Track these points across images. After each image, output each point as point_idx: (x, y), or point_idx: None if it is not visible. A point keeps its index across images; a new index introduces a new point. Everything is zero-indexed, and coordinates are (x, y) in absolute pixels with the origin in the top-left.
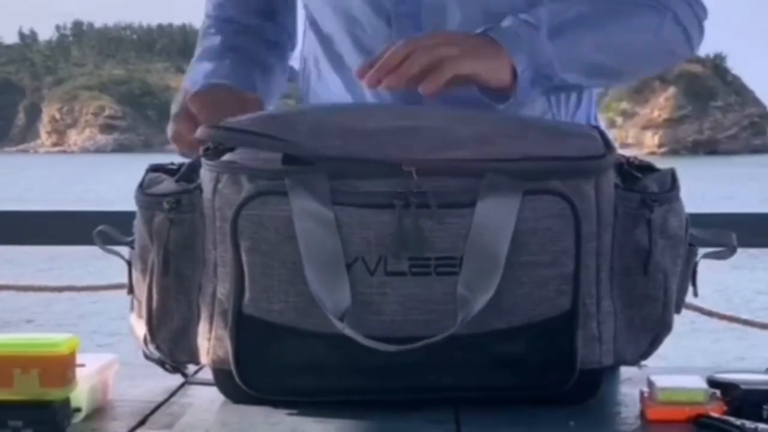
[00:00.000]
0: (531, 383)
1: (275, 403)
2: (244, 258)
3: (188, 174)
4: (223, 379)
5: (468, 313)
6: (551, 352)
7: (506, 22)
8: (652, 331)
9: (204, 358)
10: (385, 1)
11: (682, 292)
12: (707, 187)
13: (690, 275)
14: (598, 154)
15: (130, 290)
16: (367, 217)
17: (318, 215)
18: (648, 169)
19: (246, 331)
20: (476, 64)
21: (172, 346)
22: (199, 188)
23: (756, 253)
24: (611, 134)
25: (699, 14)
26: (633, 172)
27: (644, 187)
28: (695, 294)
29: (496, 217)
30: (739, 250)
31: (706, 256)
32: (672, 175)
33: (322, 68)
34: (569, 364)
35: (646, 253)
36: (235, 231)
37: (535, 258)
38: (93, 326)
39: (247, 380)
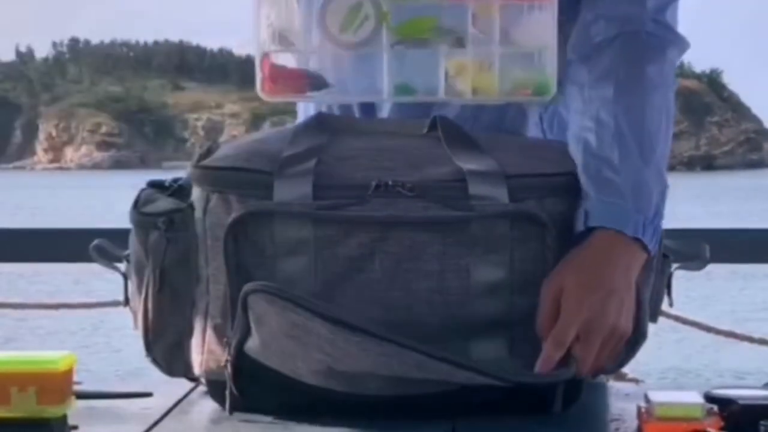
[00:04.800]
0: (512, 400)
1: (267, 411)
2: (251, 324)
3: (181, 191)
4: (216, 390)
5: None
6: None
7: (594, 190)
8: (627, 341)
9: (197, 370)
10: None
11: (658, 301)
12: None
13: (665, 286)
14: (573, 170)
15: (126, 303)
16: (365, 345)
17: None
18: None
19: (244, 364)
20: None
21: (168, 359)
22: (191, 206)
23: None
24: None
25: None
26: None
27: None
28: (670, 304)
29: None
30: None
31: (680, 267)
32: None
33: None
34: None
35: None
36: (246, 303)
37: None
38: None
39: (243, 397)
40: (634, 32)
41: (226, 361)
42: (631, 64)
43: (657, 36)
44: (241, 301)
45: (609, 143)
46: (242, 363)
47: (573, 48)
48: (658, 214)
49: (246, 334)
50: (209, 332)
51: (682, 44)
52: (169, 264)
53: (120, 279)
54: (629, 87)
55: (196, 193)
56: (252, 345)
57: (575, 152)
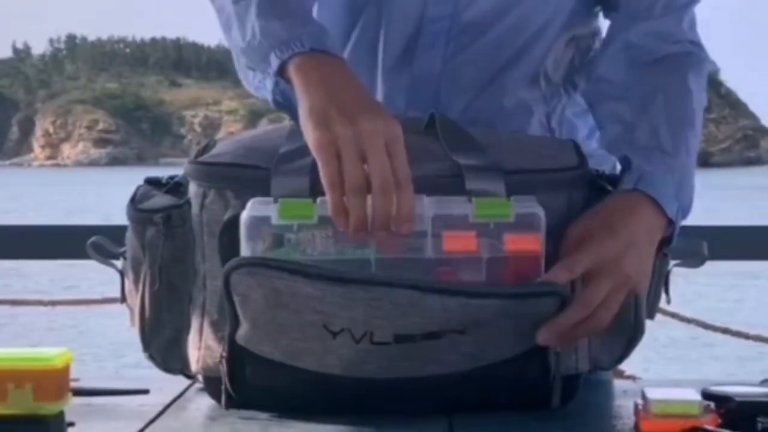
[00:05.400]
0: (509, 395)
1: (264, 408)
2: (237, 308)
3: (177, 188)
4: (213, 386)
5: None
6: (527, 370)
7: (647, 164)
8: (625, 337)
9: (194, 366)
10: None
11: (655, 298)
12: None
13: (663, 283)
14: (571, 167)
15: (123, 300)
16: (354, 294)
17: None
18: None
19: (238, 356)
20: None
21: (165, 355)
22: (189, 203)
23: None
24: None
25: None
26: (604, 184)
27: None
28: (668, 301)
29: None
30: None
31: (679, 264)
32: None
33: None
34: (544, 375)
35: None
36: (228, 284)
37: (520, 323)
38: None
39: (240, 395)
40: (677, 53)
41: (221, 356)
42: (678, 80)
43: (695, 54)
44: (224, 282)
45: (664, 137)
46: (237, 357)
47: (610, 66)
48: (686, 215)
49: (235, 323)
50: (206, 328)
51: (711, 62)
52: (166, 260)
53: (103, 277)
54: (679, 96)
55: (193, 189)
56: (242, 333)
57: (619, 140)
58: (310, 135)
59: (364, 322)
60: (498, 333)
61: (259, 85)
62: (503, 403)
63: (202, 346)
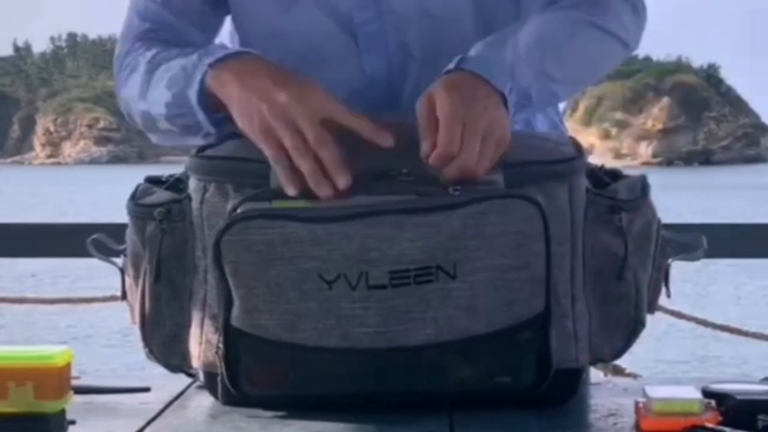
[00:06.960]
0: (509, 384)
1: (264, 405)
2: (229, 279)
3: (177, 184)
4: (213, 382)
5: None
6: (527, 353)
7: (481, 50)
8: (626, 329)
9: (195, 362)
10: (347, 22)
11: (656, 292)
12: None
13: (663, 276)
14: (570, 157)
15: (123, 297)
16: (347, 227)
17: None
18: (617, 175)
19: (234, 342)
20: (507, 132)
21: (165, 351)
22: (189, 197)
23: None
24: (606, 145)
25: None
26: (603, 177)
27: (614, 192)
28: (668, 295)
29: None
30: None
31: (678, 258)
32: (642, 182)
33: None
34: (545, 363)
35: (615, 255)
36: (219, 254)
37: (508, 261)
38: None
39: (237, 387)
40: None
41: (217, 347)
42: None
43: None
44: (214, 252)
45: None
46: (232, 343)
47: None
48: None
49: (229, 303)
50: (207, 322)
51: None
52: (165, 255)
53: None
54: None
55: (193, 184)
56: (236, 311)
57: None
58: (247, 127)
59: (358, 259)
60: (487, 279)
61: (202, 133)
62: (503, 401)
63: (203, 341)
